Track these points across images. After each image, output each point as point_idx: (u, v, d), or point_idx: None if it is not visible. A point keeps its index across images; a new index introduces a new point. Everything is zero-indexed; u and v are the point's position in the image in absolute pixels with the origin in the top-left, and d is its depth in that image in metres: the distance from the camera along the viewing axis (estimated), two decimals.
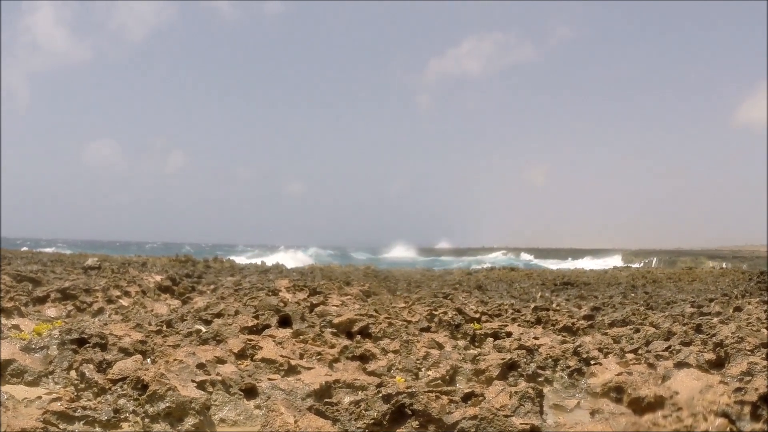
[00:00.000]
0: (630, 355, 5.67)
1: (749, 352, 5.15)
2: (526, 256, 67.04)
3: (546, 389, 4.80)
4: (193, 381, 3.87)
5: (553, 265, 43.73)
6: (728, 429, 3.20)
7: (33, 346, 4.81)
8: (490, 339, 6.59)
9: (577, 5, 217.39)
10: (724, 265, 34.99)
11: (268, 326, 6.32)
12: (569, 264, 47.48)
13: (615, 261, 50.69)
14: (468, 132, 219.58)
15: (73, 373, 4.51)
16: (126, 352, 4.82)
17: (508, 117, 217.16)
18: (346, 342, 5.91)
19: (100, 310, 7.38)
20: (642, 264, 43.07)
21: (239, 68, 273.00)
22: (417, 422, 3.34)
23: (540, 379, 5.15)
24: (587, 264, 43.47)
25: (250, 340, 5.47)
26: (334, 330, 6.42)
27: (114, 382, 3.94)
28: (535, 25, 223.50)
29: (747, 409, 3.24)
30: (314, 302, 7.70)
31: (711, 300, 9.62)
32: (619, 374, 4.68)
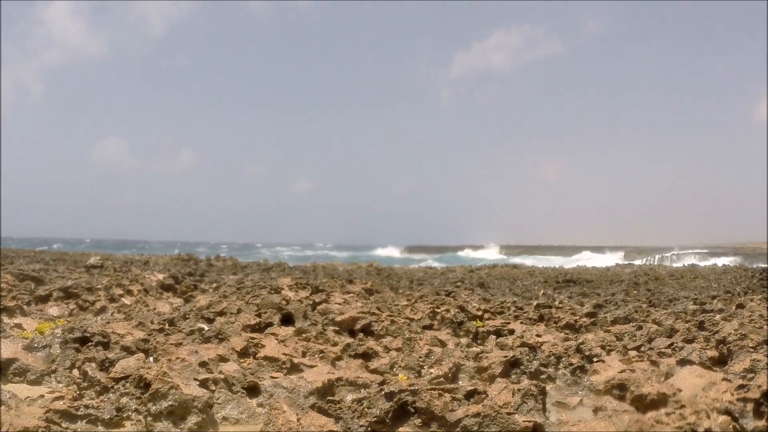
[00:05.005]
0: (633, 353, 5.66)
1: (752, 350, 5.14)
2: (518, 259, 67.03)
3: (549, 387, 4.79)
4: (195, 379, 3.87)
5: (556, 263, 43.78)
6: (731, 426, 3.20)
7: (35, 345, 4.82)
8: (493, 336, 6.58)
9: (609, 2, 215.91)
10: (726, 262, 34.99)
11: (270, 324, 6.32)
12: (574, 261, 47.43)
13: (617, 258, 50.73)
14: (487, 128, 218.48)
15: (75, 372, 4.51)
16: (128, 351, 4.83)
17: (529, 113, 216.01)
18: (349, 340, 5.91)
19: (103, 309, 7.39)
20: (644, 261, 43.06)
21: (252, 65, 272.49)
22: (420, 420, 3.34)
23: (543, 376, 5.14)
24: (589, 261, 43.48)
25: (253, 338, 5.47)
26: (337, 328, 6.43)
27: (116, 380, 3.94)
28: (566, 18, 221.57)
29: (750, 406, 3.23)
30: (316, 300, 7.71)
31: (713, 297, 9.60)
32: (621, 371, 4.68)
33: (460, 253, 71.11)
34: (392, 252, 76.03)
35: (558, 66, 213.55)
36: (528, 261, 48.52)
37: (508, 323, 7.18)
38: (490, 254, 67.39)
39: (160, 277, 9.70)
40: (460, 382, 5.07)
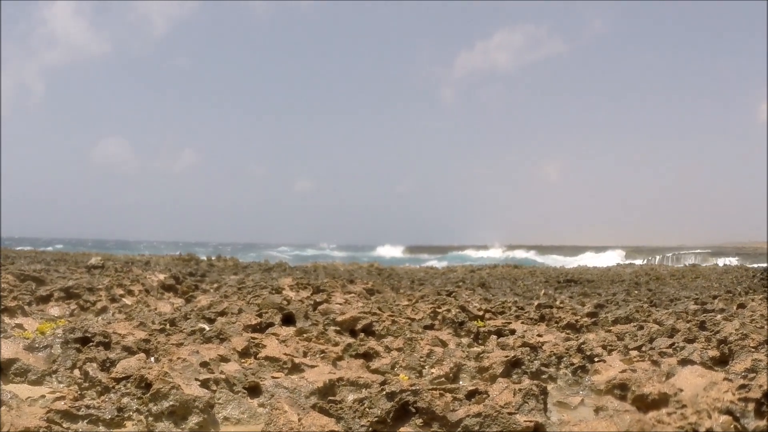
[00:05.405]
0: (634, 353, 5.66)
1: (753, 349, 5.14)
2: (523, 254, 67.09)
3: (550, 386, 4.79)
4: (196, 379, 3.87)
5: (557, 262, 43.88)
6: (732, 426, 3.19)
7: (36, 345, 4.82)
8: (494, 336, 6.58)
9: (612, 2, 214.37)
10: (727, 262, 34.99)
11: (271, 324, 6.33)
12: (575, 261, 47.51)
13: (618, 258, 50.76)
14: (490, 127, 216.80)
15: (76, 372, 4.51)
16: (129, 351, 4.83)
17: (532, 112, 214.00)
18: (350, 340, 5.91)
19: (104, 309, 7.39)
20: (645, 261, 43.08)
21: (253, 64, 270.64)
22: (421, 420, 3.34)
23: (544, 376, 5.14)
24: (590, 261, 43.52)
25: (254, 338, 5.47)
26: (338, 328, 6.43)
27: (117, 380, 3.95)
28: (569, 18, 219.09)
29: (751, 406, 3.23)
30: (318, 300, 7.71)
31: (714, 297, 9.59)
32: (623, 371, 4.68)
33: (463, 253, 71.10)
34: (395, 252, 76.05)
35: (561, 66, 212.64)
36: (531, 261, 48.57)
37: (509, 323, 7.18)
38: (494, 254, 67.39)
39: (161, 277, 9.71)
40: (462, 382, 5.07)
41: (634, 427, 3.24)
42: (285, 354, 5.01)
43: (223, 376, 4.13)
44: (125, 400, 3.63)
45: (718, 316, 6.98)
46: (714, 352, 5.30)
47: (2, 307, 6.46)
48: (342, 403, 3.44)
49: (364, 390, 4.10)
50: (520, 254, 65.43)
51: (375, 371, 4.99)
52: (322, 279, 11.40)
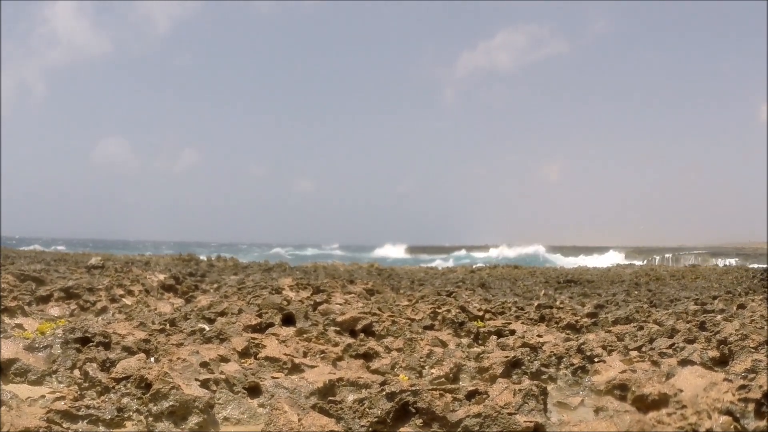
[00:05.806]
0: (634, 353, 5.66)
1: (753, 350, 5.14)
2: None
3: (550, 387, 4.79)
4: (196, 379, 3.87)
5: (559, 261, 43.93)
6: (732, 426, 3.19)
7: (36, 345, 4.82)
8: (494, 337, 6.58)
9: (615, 2, 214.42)
10: (727, 263, 35.00)
11: (271, 324, 6.33)
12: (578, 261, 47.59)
13: (618, 258, 50.74)
14: (489, 127, 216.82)
15: (76, 372, 4.51)
16: (129, 351, 4.83)
17: (534, 112, 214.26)
18: (350, 340, 5.91)
19: (104, 309, 7.39)
20: (645, 261, 43.08)
21: (255, 64, 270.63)
22: (421, 420, 3.34)
23: (544, 376, 5.14)
24: (590, 261, 43.54)
25: (254, 338, 5.47)
26: (338, 328, 6.43)
27: (117, 380, 3.95)
28: (572, 18, 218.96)
29: (751, 406, 3.23)
30: (318, 300, 7.70)
31: (714, 297, 9.58)
32: (623, 372, 4.68)
33: (467, 253, 70.94)
34: (396, 252, 75.88)
35: (563, 66, 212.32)
36: (533, 261, 48.57)
37: (509, 323, 7.18)
38: (497, 254, 67.16)
39: (161, 277, 9.71)
40: (461, 383, 5.07)
41: (634, 428, 3.24)
42: (285, 354, 5.01)
43: (223, 377, 4.13)
44: (125, 400, 3.63)
45: (718, 317, 6.98)
46: (714, 353, 5.30)
47: (2, 307, 6.46)
48: (342, 404, 3.44)
49: (364, 390, 4.10)
50: (522, 254, 65.28)
51: (375, 371, 4.99)
52: (322, 279, 11.40)
